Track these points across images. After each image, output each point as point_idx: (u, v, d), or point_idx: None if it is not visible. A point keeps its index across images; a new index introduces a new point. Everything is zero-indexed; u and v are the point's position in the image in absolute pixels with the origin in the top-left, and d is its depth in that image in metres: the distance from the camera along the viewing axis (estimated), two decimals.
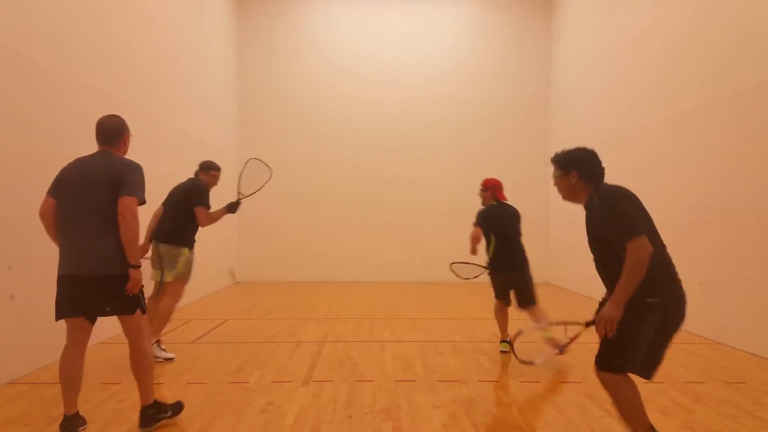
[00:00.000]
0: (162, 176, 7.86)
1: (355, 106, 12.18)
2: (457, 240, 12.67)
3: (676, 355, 5.62)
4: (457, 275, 5.59)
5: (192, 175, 5.57)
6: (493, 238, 5.40)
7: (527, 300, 5.38)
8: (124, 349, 5.70)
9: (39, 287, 4.90)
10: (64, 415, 3.29)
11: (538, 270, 12.44)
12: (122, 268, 3.23)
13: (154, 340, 4.83)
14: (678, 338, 6.89)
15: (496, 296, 5.56)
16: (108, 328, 6.14)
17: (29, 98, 4.82)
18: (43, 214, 3.38)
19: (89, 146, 5.84)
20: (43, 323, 4.95)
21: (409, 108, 12.20)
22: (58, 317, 3.31)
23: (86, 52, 5.79)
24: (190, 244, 5.24)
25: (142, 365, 3.37)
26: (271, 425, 3.60)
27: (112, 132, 3.41)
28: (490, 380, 4.63)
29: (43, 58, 5.02)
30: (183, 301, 8.27)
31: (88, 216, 3.24)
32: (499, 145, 12.25)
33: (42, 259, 4.96)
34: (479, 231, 5.31)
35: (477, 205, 5.71)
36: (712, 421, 3.72)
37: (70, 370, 3.31)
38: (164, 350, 5.16)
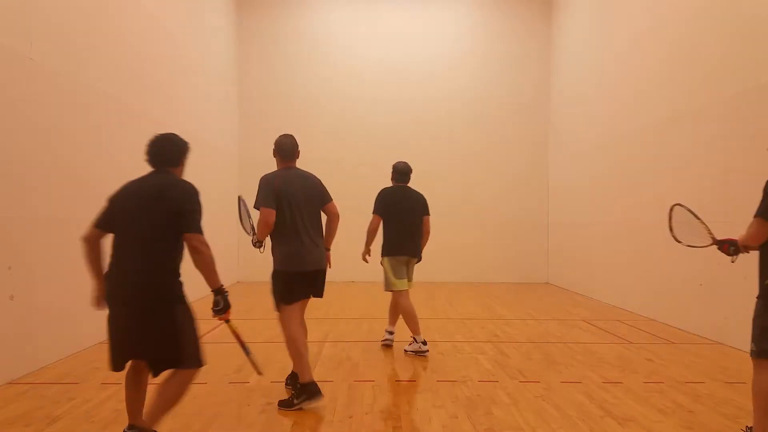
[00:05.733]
0: None
1: (354, 106, 12.18)
2: (456, 239, 12.76)
3: (676, 355, 5.63)
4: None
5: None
6: None
7: None
8: None
9: (39, 287, 4.91)
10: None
11: (538, 270, 12.66)
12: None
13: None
14: (678, 338, 6.85)
15: None
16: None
17: (29, 98, 4.81)
18: (269, 225, 3.89)
19: (89, 146, 5.90)
20: (43, 323, 4.97)
21: (408, 108, 12.20)
22: (290, 302, 4.01)
23: (86, 52, 5.79)
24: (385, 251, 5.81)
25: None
26: (271, 425, 3.60)
27: (294, 149, 4.15)
28: (490, 380, 4.63)
29: (43, 57, 5.01)
30: None
31: (310, 223, 4.02)
32: (499, 145, 12.25)
33: (42, 259, 4.97)
34: None
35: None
36: (712, 421, 3.73)
37: (300, 339, 4.02)
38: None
